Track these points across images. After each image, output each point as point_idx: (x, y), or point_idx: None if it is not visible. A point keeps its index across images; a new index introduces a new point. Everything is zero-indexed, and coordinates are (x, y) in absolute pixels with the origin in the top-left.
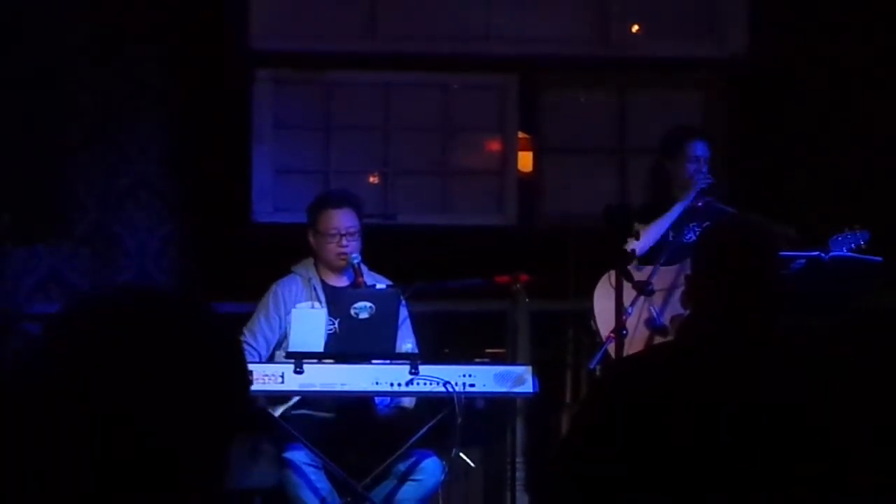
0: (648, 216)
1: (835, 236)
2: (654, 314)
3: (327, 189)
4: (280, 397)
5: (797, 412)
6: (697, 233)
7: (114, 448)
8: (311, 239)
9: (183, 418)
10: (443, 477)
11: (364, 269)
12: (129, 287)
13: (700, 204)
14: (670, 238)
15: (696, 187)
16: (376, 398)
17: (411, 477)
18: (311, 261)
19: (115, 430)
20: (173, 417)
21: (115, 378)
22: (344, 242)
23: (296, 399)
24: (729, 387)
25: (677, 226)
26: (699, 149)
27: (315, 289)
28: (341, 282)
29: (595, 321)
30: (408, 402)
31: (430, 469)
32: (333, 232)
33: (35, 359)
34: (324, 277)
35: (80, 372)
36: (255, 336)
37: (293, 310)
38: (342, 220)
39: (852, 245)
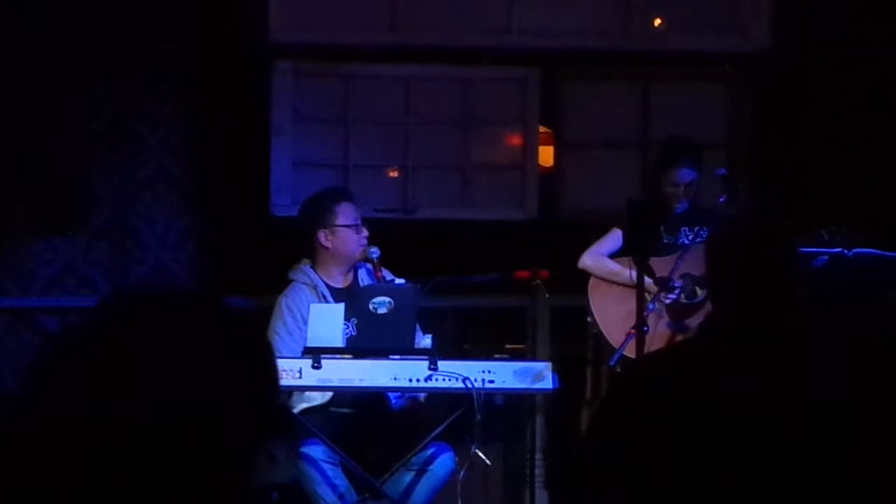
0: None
1: (830, 228)
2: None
3: (327, 187)
4: (305, 394)
5: (817, 406)
6: (690, 236)
7: (140, 449)
8: (324, 237)
9: (212, 419)
10: (454, 468)
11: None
12: (157, 286)
13: (722, 199)
14: (664, 240)
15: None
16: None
17: (425, 468)
18: (306, 264)
19: (143, 432)
20: (202, 418)
21: (142, 380)
22: (365, 232)
23: (326, 399)
24: (749, 383)
25: (671, 229)
26: (685, 175)
27: (324, 295)
28: (346, 282)
29: (594, 317)
30: (421, 395)
31: (442, 465)
32: (355, 222)
33: (60, 360)
34: (328, 280)
35: (107, 373)
36: (281, 352)
37: (311, 305)
38: (356, 210)
39: (847, 238)
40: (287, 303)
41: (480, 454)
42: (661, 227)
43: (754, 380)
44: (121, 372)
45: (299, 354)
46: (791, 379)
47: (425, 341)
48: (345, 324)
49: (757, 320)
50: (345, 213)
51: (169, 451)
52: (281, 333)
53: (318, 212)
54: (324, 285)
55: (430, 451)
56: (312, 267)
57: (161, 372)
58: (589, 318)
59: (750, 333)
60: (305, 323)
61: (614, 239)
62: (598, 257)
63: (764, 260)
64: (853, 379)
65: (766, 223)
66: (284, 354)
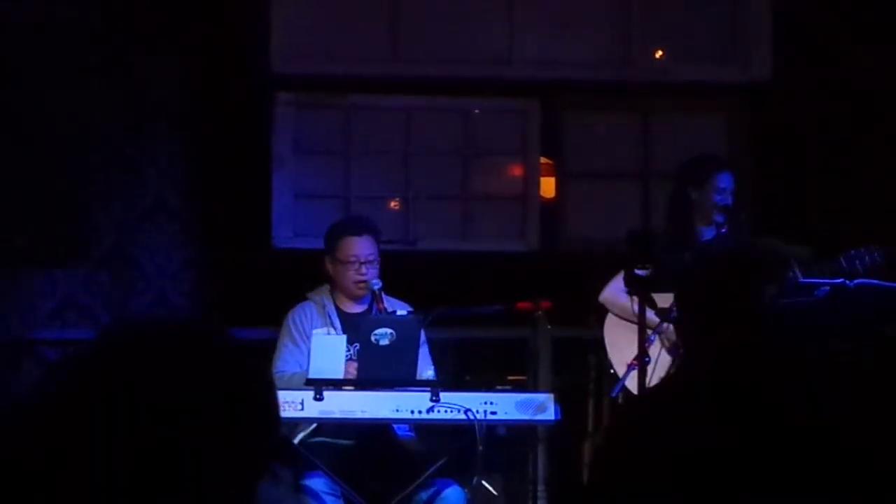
0: (669, 244)
1: (849, 252)
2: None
3: (345, 216)
4: (297, 423)
5: (826, 437)
6: None
7: (139, 481)
8: (329, 266)
9: (213, 449)
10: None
11: (383, 295)
12: (157, 317)
13: (724, 231)
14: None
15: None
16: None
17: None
18: (326, 287)
19: (141, 462)
20: (203, 448)
21: (141, 410)
22: (363, 270)
23: (313, 426)
24: (743, 413)
25: None
26: (726, 181)
27: (330, 316)
28: (359, 308)
29: (607, 352)
30: (411, 433)
31: (452, 498)
32: (353, 260)
33: (59, 390)
34: (340, 304)
35: (106, 404)
36: (288, 362)
37: (312, 335)
38: (362, 247)
39: (867, 261)
40: (293, 317)
41: (486, 485)
42: (687, 256)
43: (749, 410)
44: (119, 402)
45: (305, 366)
46: (785, 409)
47: (427, 373)
48: (346, 347)
49: (746, 348)
50: (344, 249)
51: (169, 481)
52: (287, 343)
53: (327, 241)
54: (333, 307)
55: (435, 488)
56: (331, 291)
57: (160, 402)
58: (604, 348)
59: (741, 362)
60: (309, 337)
61: None
62: (614, 293)
63: (751, 289)
64: (851, 407)
65: (755, 253)
66: (290, 366)
